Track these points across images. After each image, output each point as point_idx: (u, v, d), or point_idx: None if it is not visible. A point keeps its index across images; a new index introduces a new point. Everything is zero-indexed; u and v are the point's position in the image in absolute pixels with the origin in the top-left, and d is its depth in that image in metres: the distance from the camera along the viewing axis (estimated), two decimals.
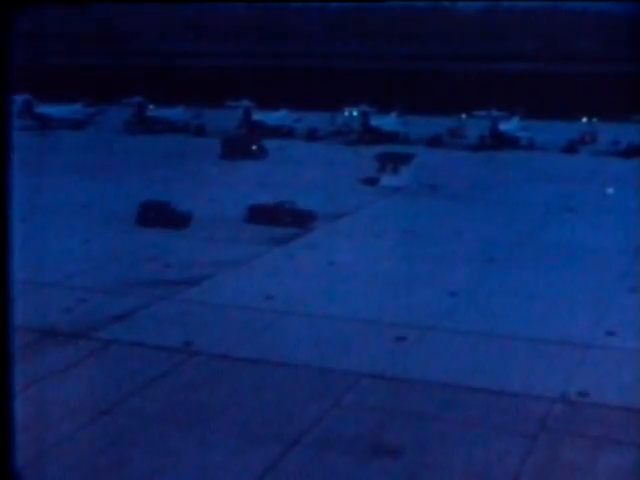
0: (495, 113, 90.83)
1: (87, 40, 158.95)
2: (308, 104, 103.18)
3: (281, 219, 51.13)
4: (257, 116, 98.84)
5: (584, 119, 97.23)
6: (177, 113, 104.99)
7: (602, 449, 22.87)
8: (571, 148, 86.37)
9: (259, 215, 51.94)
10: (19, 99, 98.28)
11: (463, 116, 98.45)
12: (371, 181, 67.16)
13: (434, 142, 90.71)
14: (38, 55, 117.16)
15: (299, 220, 51.30)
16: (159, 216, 50.75)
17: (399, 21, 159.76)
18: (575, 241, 48.18)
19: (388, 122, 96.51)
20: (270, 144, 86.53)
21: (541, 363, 29.34)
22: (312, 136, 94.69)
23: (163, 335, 32.04)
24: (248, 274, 41.30)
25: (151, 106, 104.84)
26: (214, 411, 25.35)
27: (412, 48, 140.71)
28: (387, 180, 66.70)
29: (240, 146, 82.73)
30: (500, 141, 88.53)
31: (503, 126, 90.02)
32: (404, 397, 26.50)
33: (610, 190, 62.48)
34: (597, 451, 22.77)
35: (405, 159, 69.58)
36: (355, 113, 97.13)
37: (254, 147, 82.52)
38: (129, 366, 29.00)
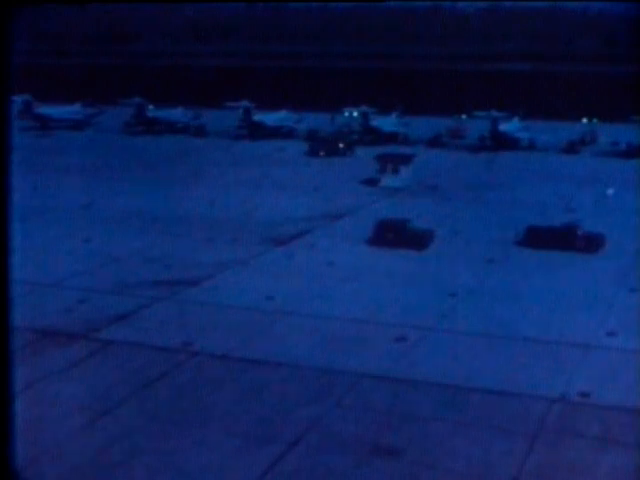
0: (495, 113, 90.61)
1: (87, 40, 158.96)
2: (308, 104, 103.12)
3: (571, 243, 45.69)
4: (257, 116, 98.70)
5: (584, 119, 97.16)
6: (177, 114, 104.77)
7: (602, 449, 22.85)
8: (571, 149, 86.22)
9: (539, 238, 46.70)
10: (19, 99, 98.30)
11: (463, 116, 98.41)
12: (371, 182, 67.13)
13: (434, 142, 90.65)
14: (38, 55, 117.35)
15: (592, 244, 45.91)
16: (398, 236, 46.88)
17: (399, 21, 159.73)
18: None
19: (388, 122, 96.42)
20: (272, 145, 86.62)
21: (542, 363, 29.29)
22: (313, 137, 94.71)
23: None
24: None
25: (151, 106, 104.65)
26: (214, 411, 25.33)
27: (412, 48, 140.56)
28: (387, 181, 66.60)
29: (327, 145, 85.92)
30: (500, 142, 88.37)
31: (503, 127, 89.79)
32: (404, 397, 26.53)
33: (610, 191, 62.45)
34: (597, 451, 22.75)
35: (405, 160, 69.45)
36: (355, 113, 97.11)
37: (341, 145, 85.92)
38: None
